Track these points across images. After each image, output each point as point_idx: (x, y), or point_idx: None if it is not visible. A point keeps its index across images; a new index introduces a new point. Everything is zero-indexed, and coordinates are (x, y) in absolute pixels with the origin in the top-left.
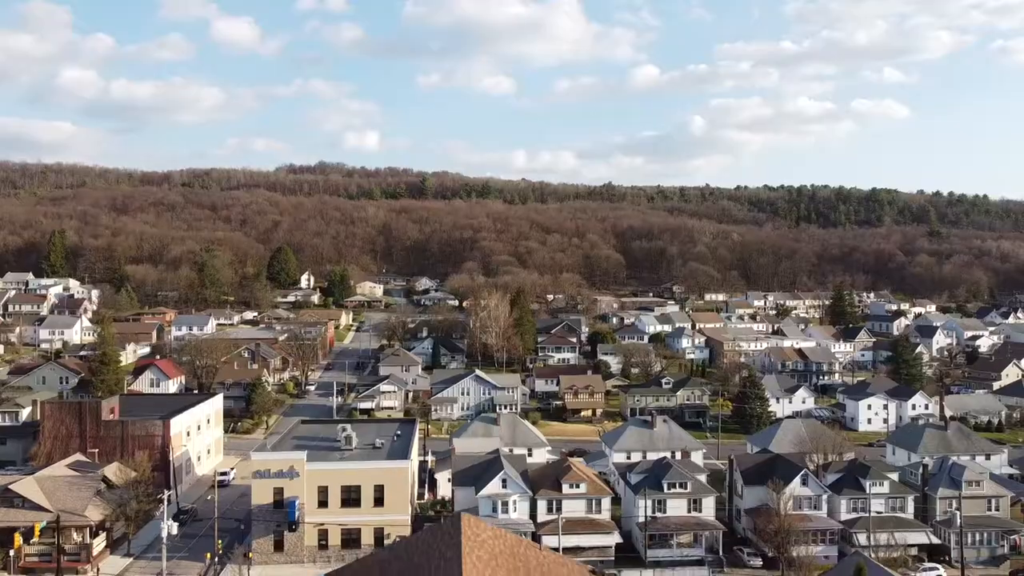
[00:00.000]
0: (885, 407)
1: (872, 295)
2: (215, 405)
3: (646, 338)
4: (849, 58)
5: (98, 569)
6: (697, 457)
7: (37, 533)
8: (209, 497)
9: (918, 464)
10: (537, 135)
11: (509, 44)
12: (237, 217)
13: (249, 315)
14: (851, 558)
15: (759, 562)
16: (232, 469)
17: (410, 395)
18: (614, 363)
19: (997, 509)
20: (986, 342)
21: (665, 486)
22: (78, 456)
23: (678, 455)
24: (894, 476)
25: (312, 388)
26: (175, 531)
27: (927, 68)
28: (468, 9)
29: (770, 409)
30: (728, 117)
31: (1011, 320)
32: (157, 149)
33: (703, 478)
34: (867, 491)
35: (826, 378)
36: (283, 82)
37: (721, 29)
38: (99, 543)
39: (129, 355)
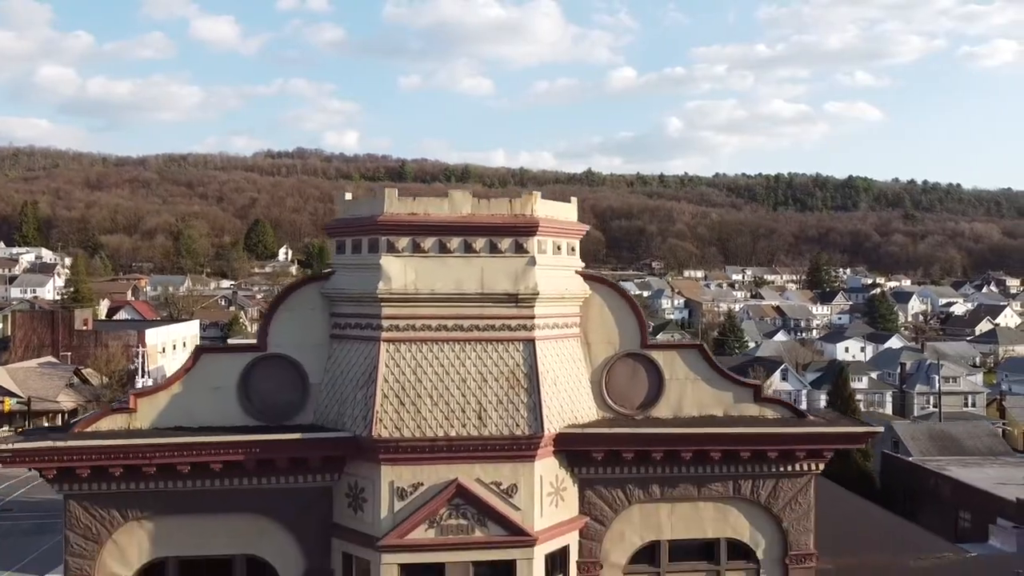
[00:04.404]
0: (863, 350)
1: (849, 271)
2: (191, 329)
3: None
4: (822, 62)
5: None
6: None
7: (7, 408)
8: None
9: (896, 361)
10: (516, 136)
11: (488, 46)
12: (214, 194)
13: (226, 283)
14: None
15: None
16: None
17: None
18: None
19: (974, 405)
20: (960, 308)
21: None
22: (50, 359)
23: None
24: (873, 374)
25: None
26: None
27: (898, 71)
28: (448, 11)
29: (749, 348)
30: (704, 119)
31: (984, 291)
32: (135, 148)
33: None
34: None
35: (804, 334)
36: (263, 81)
37: (697, 32)
38: None
39: (103, 310)
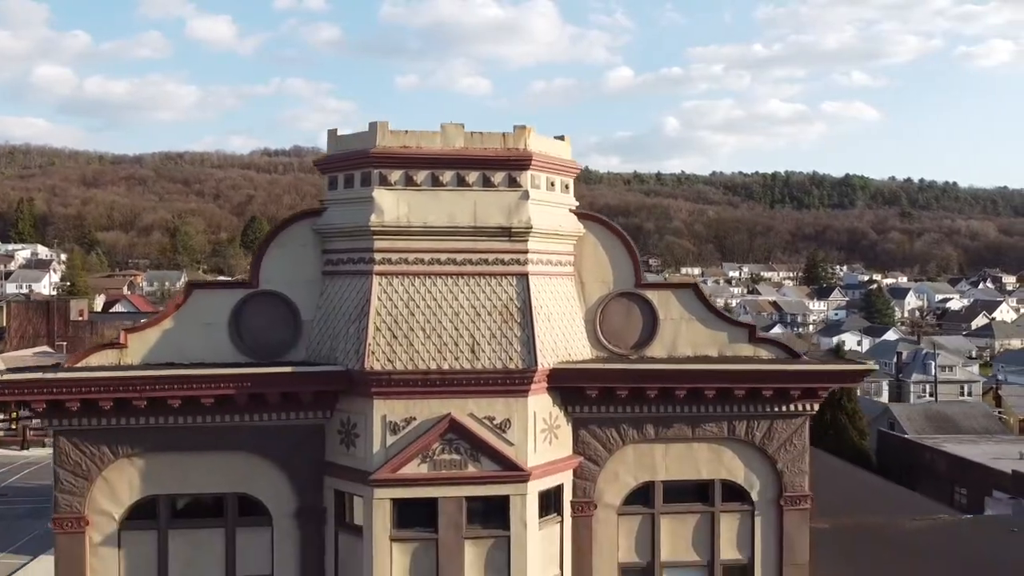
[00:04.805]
0: (859, 343)
1: (845, 268)
2: None
3: None
4: (819, 62)
5: None
6: None
7: None
8: None
9: (893, 350)
10: None
11: (486, 45)
12: (211, 191)
13: (223, 280)
14: None
15: None
16: None
17: None
18: None
19: (970, 394)
20: (956, 304)
21: None
22: (45, 348)
23: None
24: (872, 364)
25: None
26: None
27: (895, 71)
28: (445, 11)
29: None
30: (701, 119)
31: (980, 287)
32: (132, 147)
33: None
34: None
35: (800, 329)
36: (261, 81)
37: (694, 32)
38: None
39: (99, 305)
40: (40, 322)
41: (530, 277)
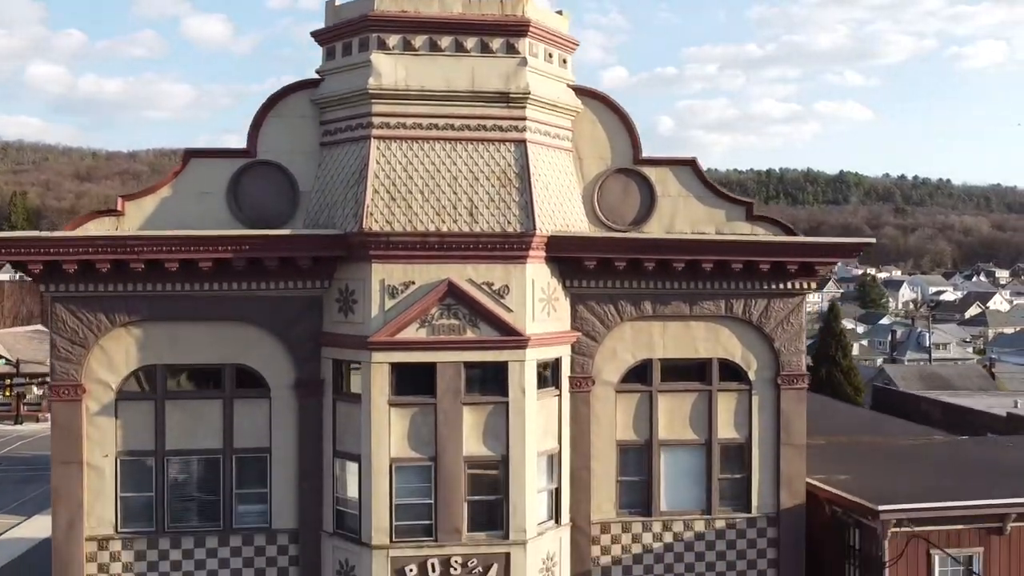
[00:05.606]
0: (855, 327)
1: (840, 262)
2: None
3: None
4: (812, 61)
5: None
6: None
7: None
8: None
9: (887, 330)
10: None
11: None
12: None
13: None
14: None
15: None
16: None
17: None
18: None
19: None
20: (950, 296)
21: None
22: (39, 326)
23: None
24: (864, 342)
25: None
26: None
27: (888, 71)
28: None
29: None
30: (695, 118)
31: (974, 280)
32: (126, 146)
33: None
34: None
35: None
36: (256, 80)
37: (688, 32)
38: None
39: None
40: (34, 302)
41: (528, 145)
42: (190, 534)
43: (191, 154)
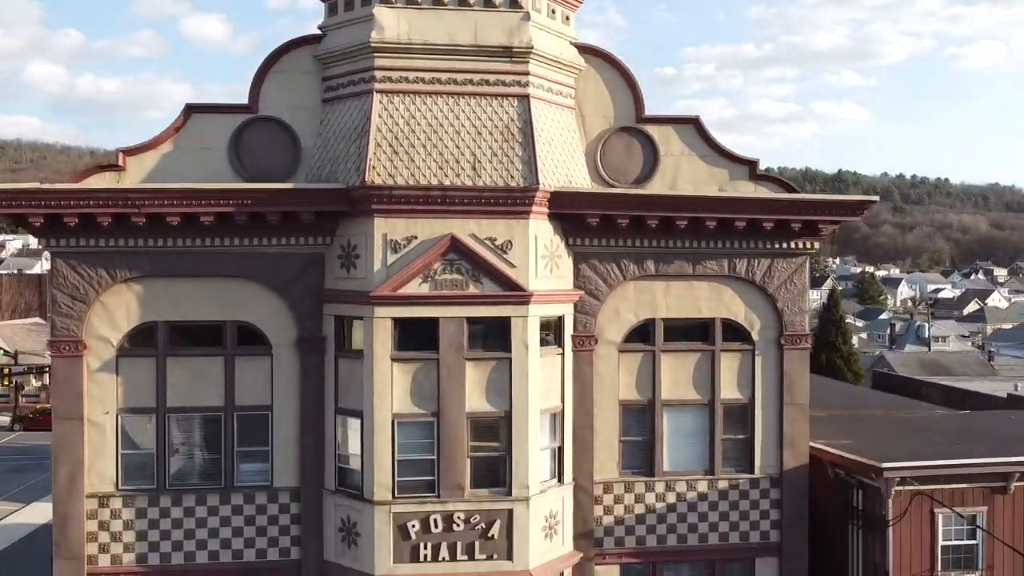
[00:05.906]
0: (853, 324)
1: (838, 260)
2: None
3: None
4: (810, 62)
5: None
6: None
7: None
8: None
9: (886, 324)
10: None
11: None
12: None
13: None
14: None
15: None
16: None
17: None
18: None
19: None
20: (948, 293)
21: None
22: (37, 319)
23: None
24: (863, 335)
25: None
26: None
27: (886, 71)
28: None
29: None
30: None
31: (972, 278)
32: (124, 145)
33: None
34: None
35: None
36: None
37: (686, 32)
38: None
39: None
40: (32, 295)
41: (531, 100)
42: (191, 492)
43: (191, 109)
